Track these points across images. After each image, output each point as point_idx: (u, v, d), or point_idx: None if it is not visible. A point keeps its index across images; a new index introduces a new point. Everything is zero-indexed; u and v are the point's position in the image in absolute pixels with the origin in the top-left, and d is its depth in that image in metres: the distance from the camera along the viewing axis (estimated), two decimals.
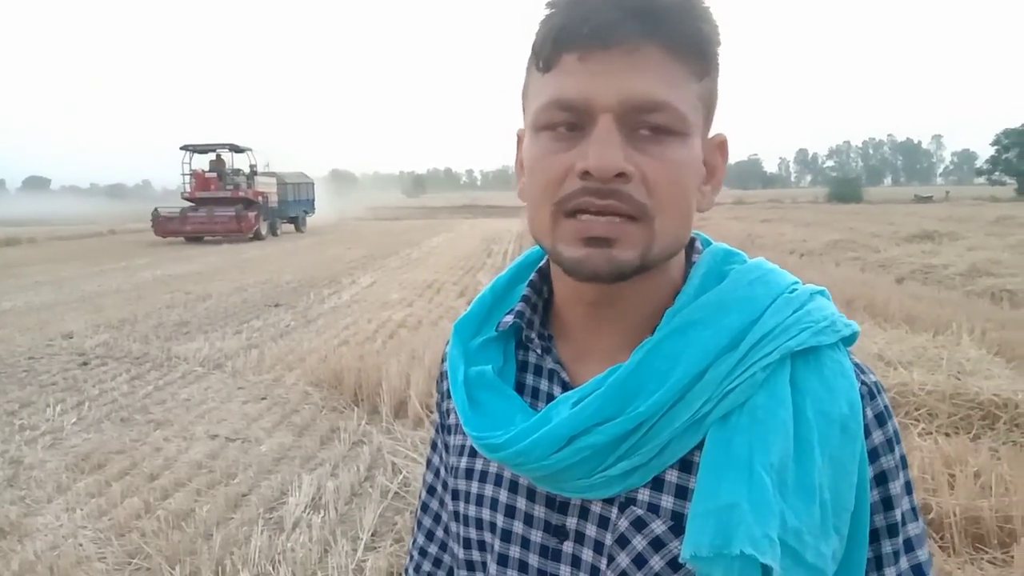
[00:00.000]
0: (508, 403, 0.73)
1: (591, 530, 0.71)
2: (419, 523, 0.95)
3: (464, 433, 0.78)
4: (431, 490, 0.93)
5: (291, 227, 30.66)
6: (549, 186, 0.67)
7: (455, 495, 0.81)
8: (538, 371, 0.78)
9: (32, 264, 18.26)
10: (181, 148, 26.65)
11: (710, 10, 0.66)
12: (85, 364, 7.41)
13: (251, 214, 24.86)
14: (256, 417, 5.70)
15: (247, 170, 27.49)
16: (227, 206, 25.01)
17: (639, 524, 0.68)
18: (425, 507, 0.94)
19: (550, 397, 0.74)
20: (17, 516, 4.01)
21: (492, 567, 0.76)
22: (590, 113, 0.64)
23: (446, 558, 0.91)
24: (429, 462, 0.94)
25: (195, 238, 24.92)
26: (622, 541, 0.68)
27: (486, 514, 0.76)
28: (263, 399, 6.18)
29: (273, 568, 3.32)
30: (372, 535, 3.72)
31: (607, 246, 0.65)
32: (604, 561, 0.69)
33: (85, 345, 8.21)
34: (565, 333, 0.77)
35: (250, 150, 27.68)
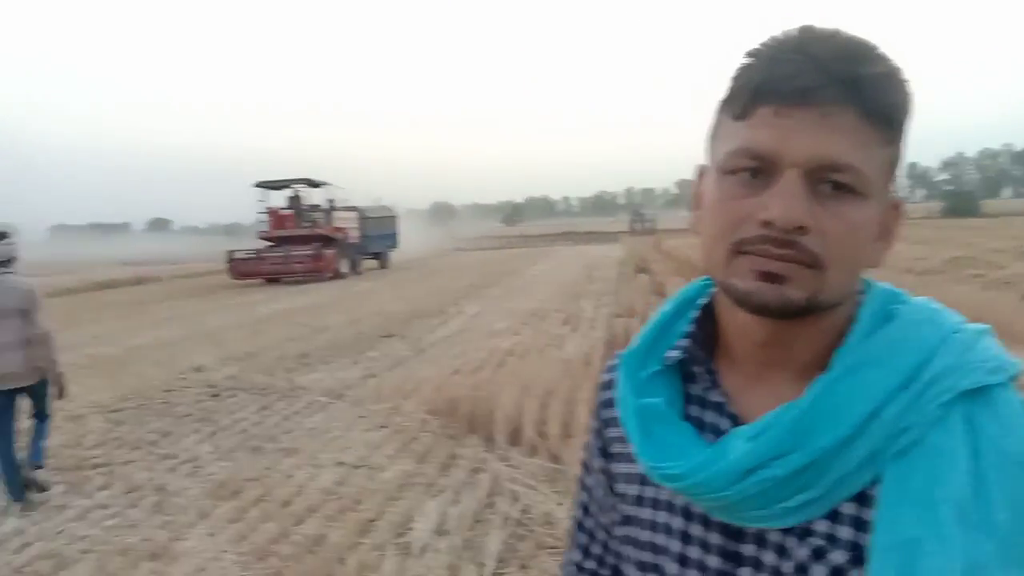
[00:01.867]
0: (681, 435, 0.78)
1: (769, 557, 0.74)
2: (574, 540, 1.00)
3: (631, 461, 0.83)
4: (585, 509, 0.98)
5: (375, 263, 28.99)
6: (728, 228, 0.71)
7: (627, 520, 0.86)
8: (703, 403, 0.82)
9: (159, 301, 19.45)
10: (255, 185, 25.20)
11: (908, 82, 0.70)
12: (216, 396, 7.86)
13: (329, 252, 23.52)
14: (378, 445, 5.90)
15: (325, 205, 25.72)
16: (304, 244, 23.52)
17: (819, 553, 0.71)
18: (580, 525, 0.99)
19: (716, 429, 0.79)
20: (166, 540, 4.29)
21: None
22: (778, 165, 0.69)
23: (602, 573, 0.97)
24: (582, 483, 0.99)
25: (273, 280, 23.52)
26: (801, 569, 0.71)
27: (661, 539, 0.81)
28: (383, 427, 6.39)
29: None
30: (498, 561, 3.80)
31: (779, 282, 0.69)
32: None
33: (214, 377, 8.70)
34: (732, 367, 0.81)
35: (327, 184, 25.92)
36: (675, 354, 0.83)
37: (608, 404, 0.91)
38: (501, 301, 15.41)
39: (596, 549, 0.98)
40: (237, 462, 5.65)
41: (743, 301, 0.72)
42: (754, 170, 0.70)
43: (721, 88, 0.75)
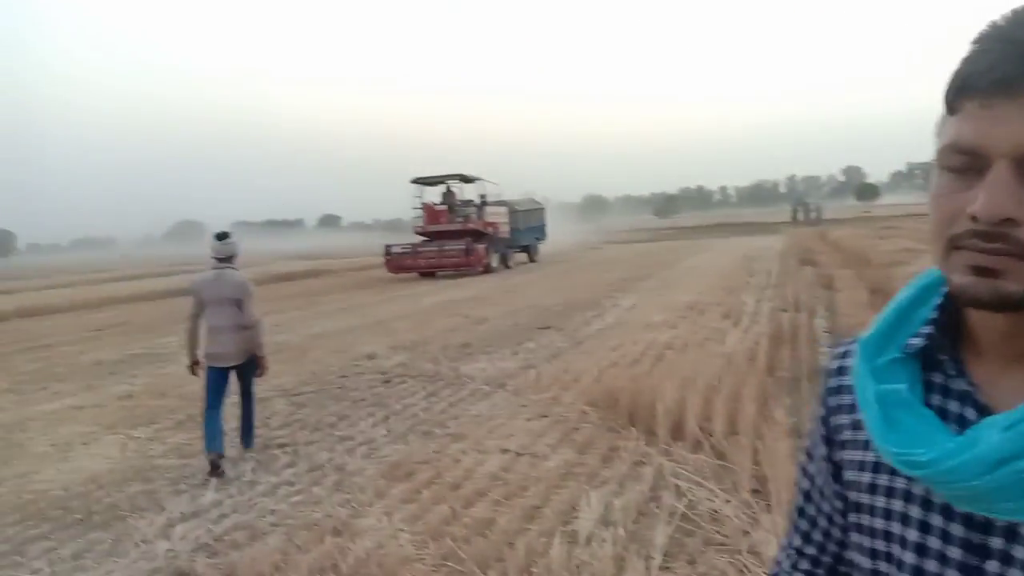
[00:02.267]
0: (926, 422, 0.77)
1: (1020, 552, 0.72)
2: (795, 526, 1.01)
3: (864, 448, 0.84)
4: (806, 496, 0.99)
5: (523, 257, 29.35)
6: (942, 223, 0.72)
7: (857, 508, 0.86)
8: (945, 392, 0.80)
9: (332, 293, 20.67)
10: (412, 181, 26.07)
11: None
12: (387, 382, 8.30)
13: (480, 247, 23.98)
14: (540, 434, 6.03)
15: (477, 200, 26.48)
16: (456, 239, 24.07)
17: None
18: (801, 511, 1.00)
19: (960, 418, 0.77)
20: (347, 517, 4.58)
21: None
22: (986, 158, 0.68)
23: (824, 559, 0.98)
24: (803, 470, 1.00)
25: (428, 273, 24.31)
26: None
27: (896, 528, 0.80)
28: (544, 417, 6.51)
29: None
30: (664, 555, 3.79)
31: (992, 276, 0.68)
32: None
33: (385, 365, 9.18)
34: (978, 358, 0.80)
35: (480, 179, 26.56)
36: (918, 341, 0.82)
37: (837, 391, 0.91)
38: (656, 294, 15.24)
39: (817, 536, 0.98)
40: (409, 445, 5.95)
41: (958, 296, 0.72)
42: (966, 164, 0.70)
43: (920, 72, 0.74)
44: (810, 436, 0.98)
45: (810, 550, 0.99)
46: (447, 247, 23.79)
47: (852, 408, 0.86)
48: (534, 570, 3.59)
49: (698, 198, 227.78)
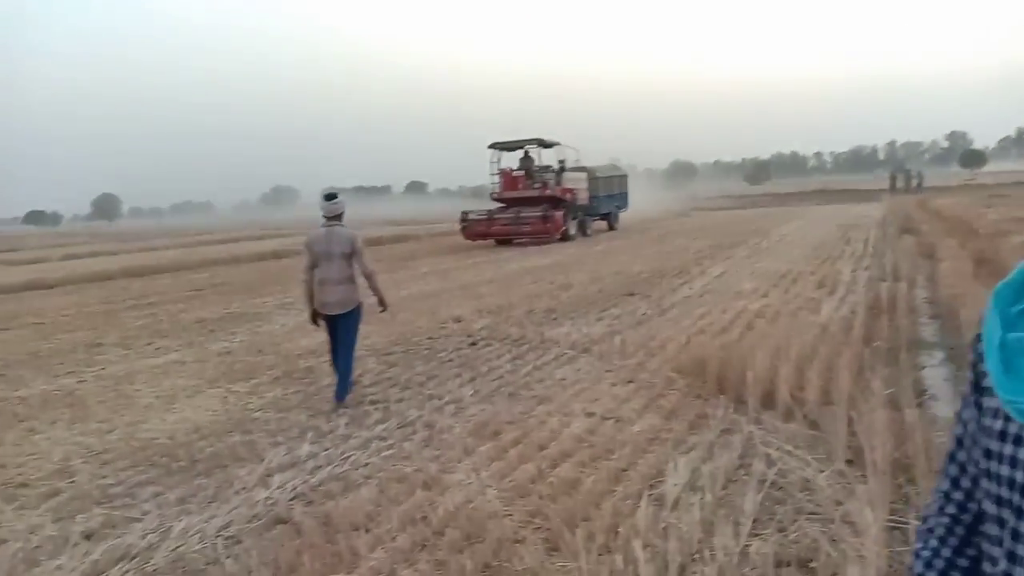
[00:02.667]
0: None
1: None
2: (945, 471, 1.01)
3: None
4: (958, 442, 0.98)
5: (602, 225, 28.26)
6: None
7: (988, 454, 0.84)
8: None
9: (419, 258, 20.99)
10: (489, 147, 25.34)
11: None
12: (473, 344, 8.41)
13: (558, 214, 23.26)
14: (625, 399, 6.01)
15: (556, 166, 25.33)
16: (534, 206, 23.48)
17: None
18: (952, 457, 1.00)
19: None
20: (436, 471, 4.69)
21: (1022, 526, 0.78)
22: None
23: (970, 506, 0.97)
24: (959, 415, 0.99)
25: (504, 241, 23.98)
26: None
27: (1020, 476, 0.79)
28: (630, 382, 6.48)
29: (660, 541, 3.50)
30: (754, 521, 3.75)
31: None
32: None
33: (472, 327, 9.30)
34: None
35: (558, 144, 25.44)
36: None
37: (982, 338, 0.91)
38: (747, 262, 14.90)
39: (965, 482, 0.97)
40: (496, 406, 6.03)
41: None
42: None
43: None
44: (968, 381, 0.97)
45: (957, 495, 0.99)
46: (524, 214, 23.31)
47: None
48: (620, 530, 3.61)
49: (792, 164, 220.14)
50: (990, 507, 0.84)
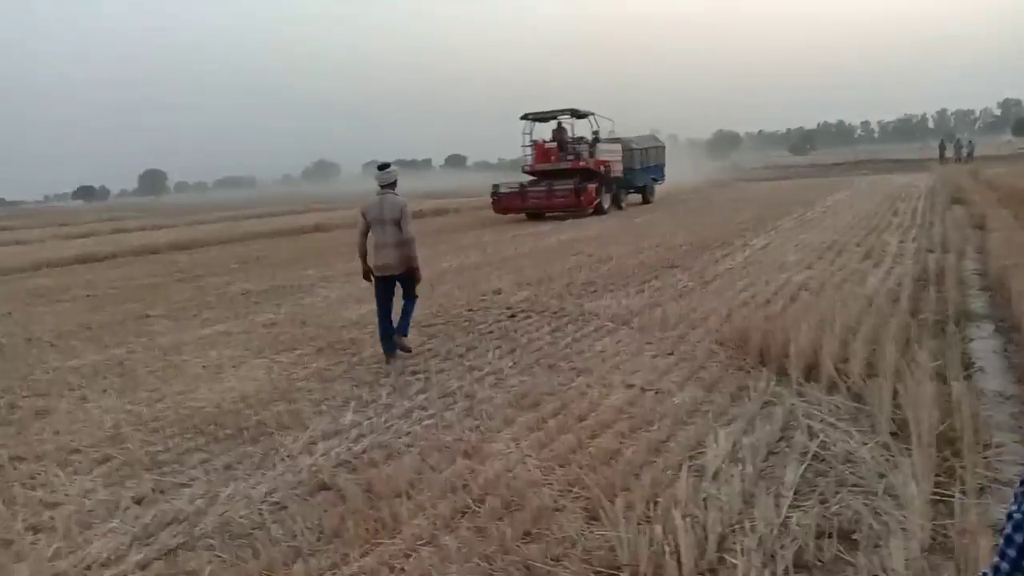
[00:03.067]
0: None
1: None
2: None
3: None
4: None
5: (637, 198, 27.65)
6: None
7: None
8: None
9: (459, 231, 21.06)
10: (521, 118, 24.59)
11: None
12: (513, 316, 8.44)
13: (591, 186, 22.64)
14: (666, 371, 5.99)
15: (589, 137, 24.64)
16: (566, 179, 22.81)
17: None
18: None
19: None
20: (476, 441, 4.74)
21: None
22: None
23: None
24: None
25: (536, 215, 23.43)
26: None
27: None
28: (670, 354, 6.45)
29: (700, 511, 3.50)
30: (795, 493, 3.72)
31: None
32: None
33: (511, 300, 9.33)
34: None
35: (592, 114, 24.65)
36: None
37: None
38: (792, 233, 14.66)
39: None
40: (535, 377, 6.05)
41: None
42: None
43: None
44: None
45: None
46: (556, 187, 22.61)
47: None
48: (660, 500, 3.61)
49: (838, 134, 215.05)
50: None
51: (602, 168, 23.78)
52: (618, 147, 25.65)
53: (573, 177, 22.81)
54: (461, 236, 19.12)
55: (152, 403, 6.12)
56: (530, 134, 24.81)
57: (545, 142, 24.52)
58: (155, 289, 13.08)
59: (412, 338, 7.64)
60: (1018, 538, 0.96)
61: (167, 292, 12.56)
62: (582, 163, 23.42)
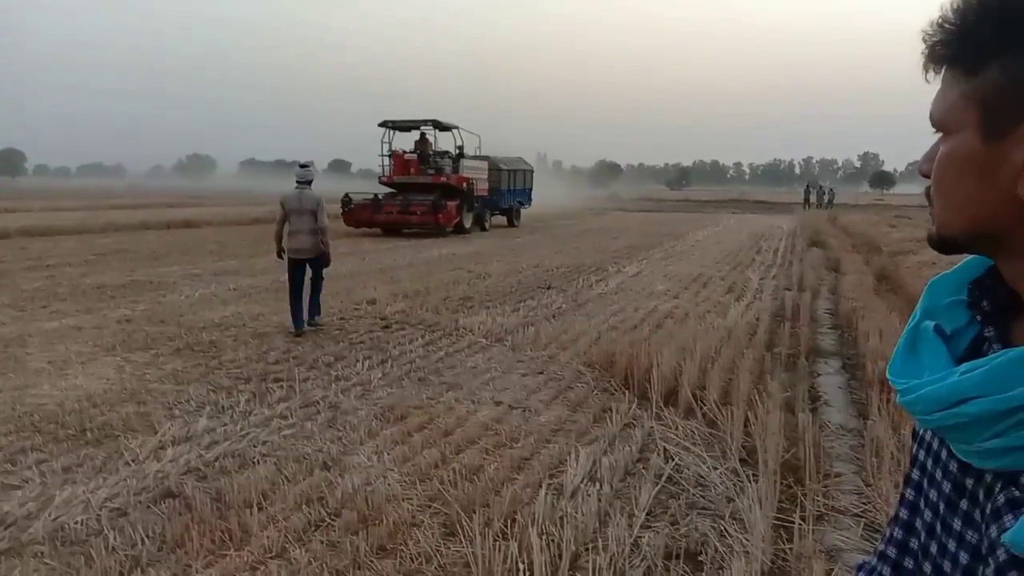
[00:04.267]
0: (935, 357, 0.77)
1: (980, 494, 0.73)
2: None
3: None
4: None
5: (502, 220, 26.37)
6: None
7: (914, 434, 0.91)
8: (991, 342, 0.80)
9: (336, 237, 20.34)
10: (380, 124, 23.09)
11: None
12: (386, 327, 8.32)
13: (451, 204, 21.36)
14: (534, 389, 6.05)
15: (454, 152, 23.50)
16: (426, 193, 21.35)
17: (1014, 504, 0.68)
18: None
19: None
20: (337, 453, 4.62)
21: (918, 500, 0.85)
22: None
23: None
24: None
25: (392, 230, 21.62)
26: (995, 515, 0.70)
27: (922, 454, 0.85)
28: (540, 373, 6.53)
29: (556, 529, 3.54)
30: (647, 514, 3.83)
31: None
32: (983, 527, 0.72)
33: (386, 311, 9.20)
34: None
35: (457, 128, 23.53)
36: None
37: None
38: (662, 264, 15.21)
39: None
40: (404, 389, 5.98)
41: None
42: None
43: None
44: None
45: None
46: (413, 202, 21.06)
47: None
48: (518, 518, 3.63)
49: (712, 172, 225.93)
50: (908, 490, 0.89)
51: (465, 185, 22.57)
52: (484, 165, 24.66)
53: (433, 193, 21.44)
54: (339, 243, 18.54)
55: None
56: (389, 143, 23.38)
57: (405, 152, 23.21)
58: (1, 276, 12.10)
59: (277, 344, 7.43)
60: None
61: (14, 280, 11.64)
62: (443, 178, 22.13)
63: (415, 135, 23.48)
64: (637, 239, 21.50)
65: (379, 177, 23.11)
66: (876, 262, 14.08)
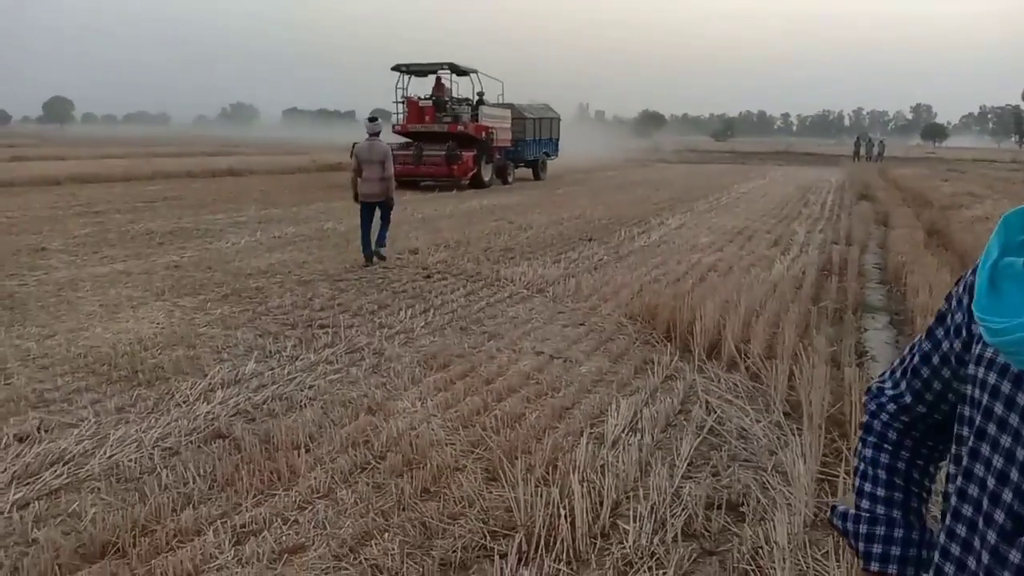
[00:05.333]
0: None
1: None
2: (907, 383, 1.03)
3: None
4: (924, 358, 0.99)
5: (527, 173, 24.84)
6: None
7: (963, 379, 0.87)
8: None
9: None
10: (392, 68, 21.29)
11: None
12: (428, 277, 8.37)
13: (468, 154, 19.91)
14: (575, 340, 6.06)
15: (474, 99, 21.88)
16: (439, 143, 19.79)
17: None
18: (916, 371, 1.01)
19: None
20: (382, 398, 4.69)
21: (985, 448, 0.80)
22: None
23: (914, 411, 1.02)
24: (930, 332, 0.99)
25: (409, 182, 19.26)
26: None
27: (987, 399, 0.81)
28: (581, 325, 6.53)
29: (597, 477, 3.57)
30: (689, 464, 3.84)
31: None
32: None
33: (428, 261, 9.26)
34: None
35: (475, 72, 21.80)
36: None
37: (961, 281, 0.93)
38: (706, 216, 15.01)
39: (929, 396, 1.00)
40: (446, 338, 6.03)
41: None
42: None
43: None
44: (949, 301, 0.97)
45: (920, 408, 1.01)
46: (426, 152, 19.57)
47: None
48: (559, 465, 3.66)
49: (758, 123, 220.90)
50: (963, 430, 0.87)
51: (484, 135, 20.99)
52: (507, 113, 23.01)
53: (448, 142, 19.83)
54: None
55: (42, 339, 5.82)
56: (404, 89, 21.62)
57: (420, 99, 21.44)
58: (53, 222, 12.40)
59: (322, 291, 7.54)
60: None
61: (66, 226, 11.92)
62: (460, 127, 20.39)
63: (432, 80, 21.81)
64: (680, 191, 21.20)
65: (392, 126, 21.11)
66: (926, 216, 13.72)
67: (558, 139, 27.25)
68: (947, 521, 0.86)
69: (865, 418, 1.08)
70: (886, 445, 1.04)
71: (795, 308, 6.57)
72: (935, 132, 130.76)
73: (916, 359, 1.01)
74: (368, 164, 9.05)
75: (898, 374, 1.05)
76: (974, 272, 0.90)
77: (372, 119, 9.19)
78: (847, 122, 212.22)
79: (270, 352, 5.61)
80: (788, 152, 61.27)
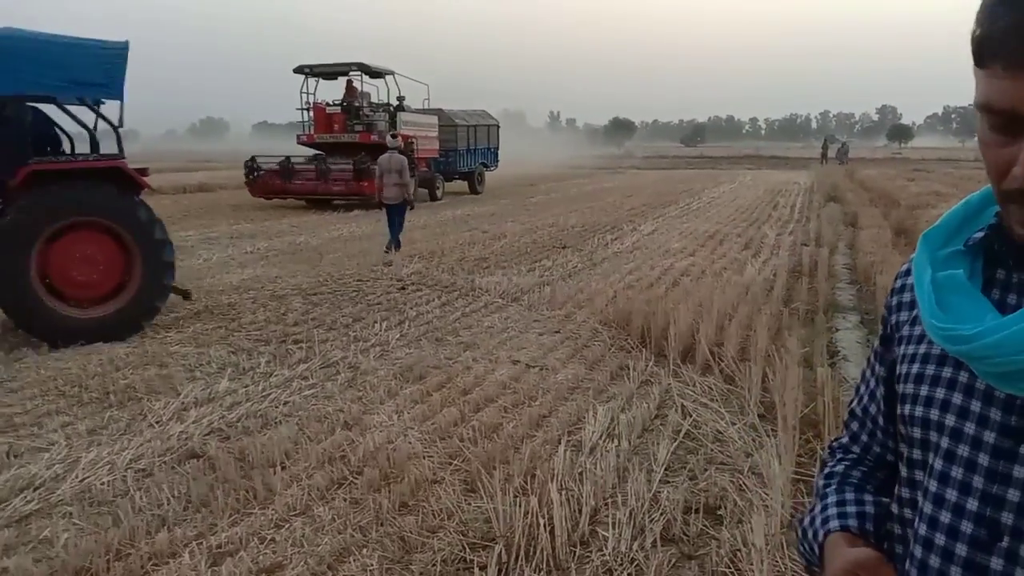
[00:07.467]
0: (978, 304, 0.77)
1: None
2: (847, 424, 1.06)
3: (918, 342, 0.85)
4: (860, 398, 1.03)
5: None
6: (993, 174, 0.74)
7: (903, 399, 0.87)
8: (1006, 286, 0.80)
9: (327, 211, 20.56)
10: (295, 71, 18.63)
11: None
12: (403, 289, 8.35)
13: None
14: (551, 348, 6.07)
15: (394, 103, 19.21)
16: (351, 156, 17.01)
17: None
18: (852, 413, 1.04)
19: (1019, 309, 0.76)
20: (358, 412, 4.67)
21: (938, 463, 0.81)
22: (1019, 122, 0.69)
23: (866, 459, 1.02)
24: (864, 373, 1.03)
25: (321, 200, 17.60)
26: None
27: (934, 415, 0.82)
28: (556, 332, 6.55)
29: (576, 485, 3.57)
30: (666, 469, 3.86)
31: None
32: None
33: (402, 272, 9.22)
34: None
35: (391, 74, 19.10)
36: (980, 235, 0.83)
37: (900, 290, 0.94)
38: (677, 221, 15.11)
39: (865, 437, 1.02)
40: (422, 350, 6.01)
41: (1019, 242, 0.75)
42: (1003, 123, 0.71)
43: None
44: (878, 338, 1.00)
45: (856, 449, 1.03)
46: (332, 166, 16.98)
47: (912, 304, 0.88)
48: (537, 474, 3.66)
49: (727, 128, 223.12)
50: (905, 450, 0.88)
51: (403, 145, 18.17)
52: (434, 120, 20.58)
53: (359, 154, 16.96)
54: (338, 213, 18.56)
55: (10, 362, 5.72)
56: (312, 94, 18.96)
57: (327, 105, 18.85)
58: None
59: (296, 306, 7.50)
60: None
61: None
62: (374, 136, 17.48)
63: (342, 84, 19.30)
64: (652, 197, 21.34)
65: (297, 136, 18.93)
66: (894, 216, 13.92)
67: (497, 148, 24.85)
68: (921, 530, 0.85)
69: (824, 471, 1.06)
70: (849, 479, 1.02)
71: (767, 310, 6.63)
72: (901, 133, 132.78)
73: (854, 402, 1.05)
74: (388, 173, 10.76)
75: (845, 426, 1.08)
76: (890, 300, 0.94)
77: (393, 135, 11.48)
78: (814, 125, 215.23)
79: (244, 369, 5.56)
80: (757, 156, 61.98)
